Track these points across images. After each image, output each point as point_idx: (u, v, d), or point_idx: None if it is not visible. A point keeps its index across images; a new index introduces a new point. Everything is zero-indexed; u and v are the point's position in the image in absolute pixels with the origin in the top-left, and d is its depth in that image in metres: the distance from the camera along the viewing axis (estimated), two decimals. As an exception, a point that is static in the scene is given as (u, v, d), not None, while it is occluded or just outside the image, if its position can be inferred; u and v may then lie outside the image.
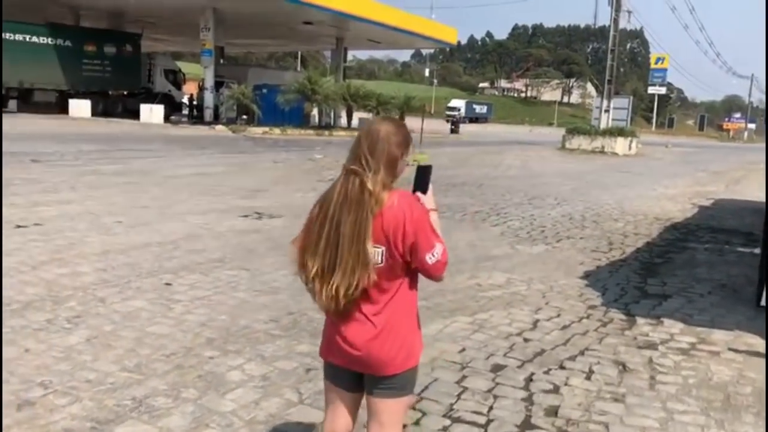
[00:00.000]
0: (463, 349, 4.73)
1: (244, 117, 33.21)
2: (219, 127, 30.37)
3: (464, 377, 4.23)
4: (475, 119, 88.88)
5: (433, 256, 2.26)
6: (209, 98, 33.85)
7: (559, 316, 5.70)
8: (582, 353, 4.80)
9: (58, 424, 3.29)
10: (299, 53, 72.07)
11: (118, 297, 5.38)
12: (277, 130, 29.50)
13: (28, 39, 31.69)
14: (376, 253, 2.24)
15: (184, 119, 36.28)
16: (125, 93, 36.98)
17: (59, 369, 3.94)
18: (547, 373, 4.39)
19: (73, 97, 33.32)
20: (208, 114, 33.63)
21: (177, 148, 19.37)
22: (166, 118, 33.07)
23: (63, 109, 32.90)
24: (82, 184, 11.27)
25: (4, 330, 4.49)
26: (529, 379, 4.26)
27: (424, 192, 2.40)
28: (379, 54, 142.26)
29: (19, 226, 7.75)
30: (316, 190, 12.58)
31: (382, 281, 2.27)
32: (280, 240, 7.49)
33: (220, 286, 5.90)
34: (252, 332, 4.79)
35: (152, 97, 36.14)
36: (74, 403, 3.52)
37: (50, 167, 13.21)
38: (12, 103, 32.75)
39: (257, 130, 28.96)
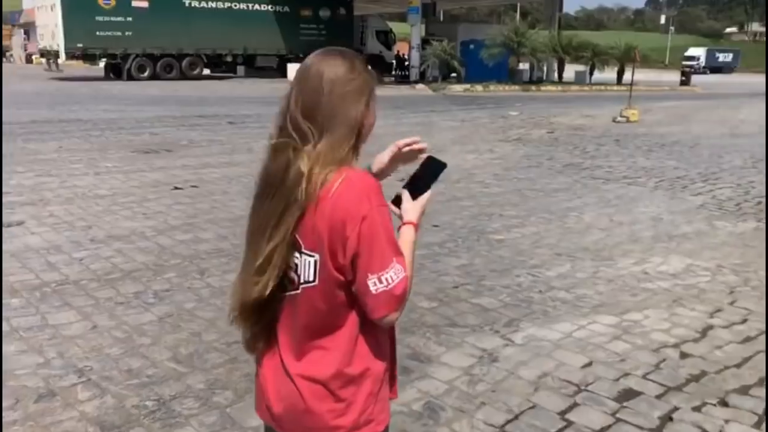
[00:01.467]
0: (589, 364, 3.66)
1: (453, 75, 32.38)
2: (419, 86, 29.99)
3: (574, 405, 3.21)
4: (717, 69, 79.46)
5: (380, 282, 1.40)
6: (415, 57, 33.55)
7: (744, 322, 4.31)
8: (761, 383, 3.48)
9: (61, 425, 2.92)
10: (517, 6, 69.30)
11: (220, 269, 5.05)
12: (479, 87, 28.38)
13: (251, 7, 33.77)
14: (305, 263, 1.46)
15: (393, 79, 36.53)
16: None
17: (109, 353, 3.62)
18: (698, 410, 3.20)
19: (291, 61, 35.04)
20: (414, 73, 33.38)
21: (370, 108, 19.28)
22: (375, 79, 33.44)
23: (284, 74, 34.77)
24: (260, 146, 11.40)
25: (86, 303, 4.34)
26: (668, 418, 3.12)
27: (420, 193, 1.60)
28: (610, 2, 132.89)
29: (176, 188, 7.88)
30: (492, 151, 11.62)
31: (317, 311, 1.48)
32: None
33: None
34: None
35: (364, 59, 36.78)
36: (96, 398, 3.15)
37: (240, 129, 13.68)
38: (240, 69, 35.47)
39: (458, 88, 28.11)
